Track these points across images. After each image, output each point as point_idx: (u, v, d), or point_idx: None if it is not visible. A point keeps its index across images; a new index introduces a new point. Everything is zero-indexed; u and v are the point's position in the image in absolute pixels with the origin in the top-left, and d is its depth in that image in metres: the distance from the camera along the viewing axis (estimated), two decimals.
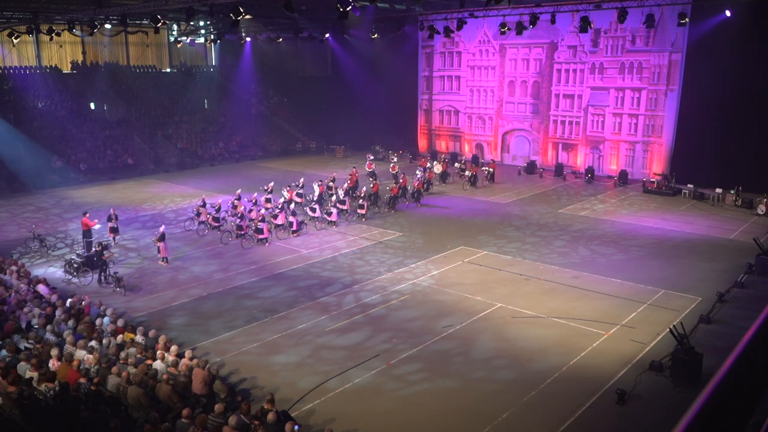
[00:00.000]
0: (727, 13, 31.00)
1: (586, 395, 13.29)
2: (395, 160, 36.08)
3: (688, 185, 33.19)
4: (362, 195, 29.02)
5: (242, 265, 22.27)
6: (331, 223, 27.13)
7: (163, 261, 22.43)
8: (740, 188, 30.99)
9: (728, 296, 18.65)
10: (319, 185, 30.08)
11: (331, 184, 31.26)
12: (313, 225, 27.09)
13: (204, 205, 26.95)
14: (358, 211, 28.37)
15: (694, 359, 13.68)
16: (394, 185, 30.99)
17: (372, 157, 36.44)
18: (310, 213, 27.37)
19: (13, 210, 30.81)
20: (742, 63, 31.43)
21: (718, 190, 31.68)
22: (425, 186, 33.28)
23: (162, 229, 22.84)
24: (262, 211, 26.79)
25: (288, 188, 29.45)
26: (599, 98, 38.60)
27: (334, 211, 27.25)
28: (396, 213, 29.97)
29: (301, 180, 31.50)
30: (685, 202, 32.25)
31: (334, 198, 29.02)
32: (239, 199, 27.46)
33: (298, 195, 29.67)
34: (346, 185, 30.86)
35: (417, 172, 34.17)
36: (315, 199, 28.92)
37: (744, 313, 17.41)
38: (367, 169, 35.16)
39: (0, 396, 10.89)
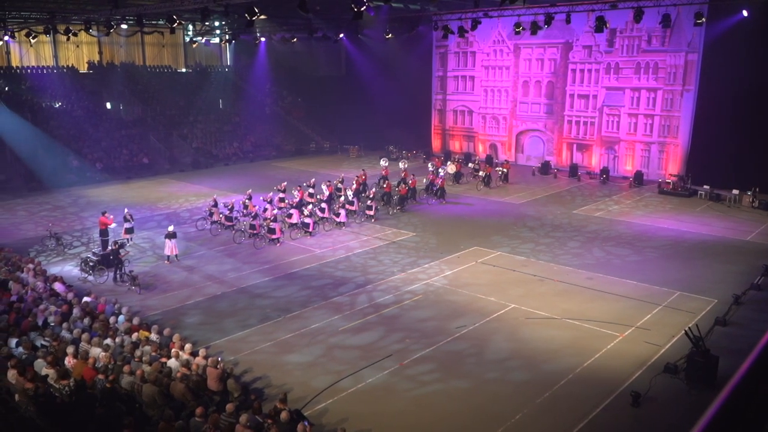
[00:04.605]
0: (744, 13, 30.71)
1: (600, 397, 13.22)
2: (406, 166, 35.83)
3: (704, 186, 32.87)
4: (371, 196, 29.04)
5: (256, 265, 22.36)
6: (339, 224, 27.15)
7: (167, 259, 22.60)
8: (757, 189, 30.68)
9: (744, 298, 18.46)
10: (327, 186, 30.15)
11: (339, 185, 31.31)
12: (322, 225, 27.03)
13: (216, 204, 27.10)
14: (367, 212, 28.40)
15: (709, 362, 13.55)
16: (403, 186, 31.03)
17: (386, 164, 36.23)
18: (319, 213, 27.39)
19: (30, 208, 31.13)
20: (759, 63, 31.15)
21: (735, 192, 31.37)
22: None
23: (171, 228, 23.03)
24: (275, 210, 26.90)
25: (299, 188, 29.53)
26: (614, 98, 38.35)
27: (342, 212, 27.26)
28: (409, 213, 29.97)
29: (313, 180, 31.59)
30: (701, 203, 31.95)
31: (342, 199, 29.07)
32: (250, 198, 27.59)
33: (310, 195, 29.74)
34: (353, 186, 30.89)
35: (440, 170, 34.15)
36: (324, 199, 28.97)
37: (761, 316, 17.26)
38: (382, 174, 35.04)
39: (17, 393, 11.01)
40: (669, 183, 34.22)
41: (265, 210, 26.57)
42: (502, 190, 35.24)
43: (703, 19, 30.35)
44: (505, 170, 36.95)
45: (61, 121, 41.42)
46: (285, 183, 30.98)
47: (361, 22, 34.52)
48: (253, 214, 25.92)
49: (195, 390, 11.92)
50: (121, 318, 15.40)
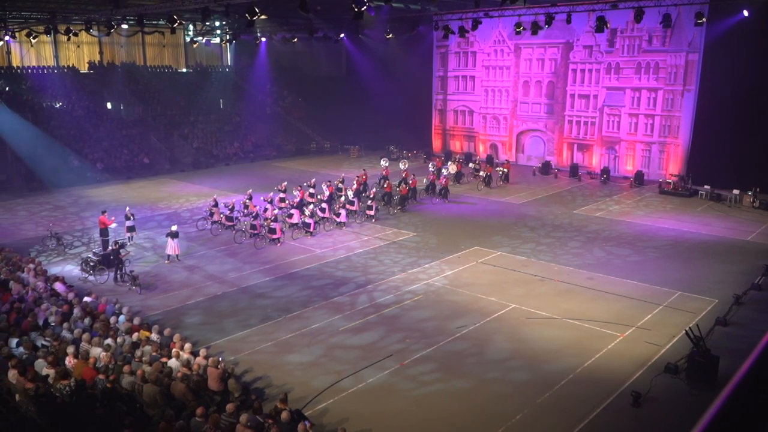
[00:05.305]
0: (745, 12, 30.71)
1: (600, 397, 13.21)
2: (407, 166, 35.85)
3: (705, 186, 32.86)
4: (371, 196, 29.03)
5: (256, 265, 22.37)
6: (340, 224, 27.14)
7: (167, 259, 22.62)
8: (758, 189, 30.67)
9: (745, 298, 18.44)
10: (328, 186, 30.16)
11: (340, 185, 31.31)
12: (323, 225, 27.00)
13: (216, 204, 27.12)
14: (367, 212, 28.38)
15: (710, 362, 13.55)
16: (404, 186, 31.06)
17: (386, 164, 36.16)
18: (320, 213, 27.38)
19: (31, 208, 31.14)
20: (760, 63, 31.16)
21: (736, 192, 31.36)
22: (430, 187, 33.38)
23: (174, 228, 23.03)
24: (276, 210, 26.89)
25: (299, 188, 29.53)
26: (615, 98, 38.34)
27: (342, 212, 27.25)
28: (409, 213, 29.98)
29: (313, 180, 31.60)
30: (702, 203, 31.94)
31: (342, 199, 29.06)
32: (251, 198, 27.60)
33: (310, 195, 29.74)
34: (354, 186, 30.89)
35: (443, 170, 34.11)
36: (325, 199, 28.97)
37: (761, 316, 17.25)
38: (382, 173, 35.03)
39: (18, 393, 11.02)
40: (669, 183, 34.21)
41: (266, 210, 26.56)
42: (502, 190, 35.24)
43: (704, 19, 30.35)
44: (505, 170, 36.95)
45: (62, 121, 41.44)
46: (285, 183, 30.98)
47: (362, 22, 34.57)
48: (253, 214, 25.93)
49: (195, 390, 11.92)
50: (121, 318, 15.41)
